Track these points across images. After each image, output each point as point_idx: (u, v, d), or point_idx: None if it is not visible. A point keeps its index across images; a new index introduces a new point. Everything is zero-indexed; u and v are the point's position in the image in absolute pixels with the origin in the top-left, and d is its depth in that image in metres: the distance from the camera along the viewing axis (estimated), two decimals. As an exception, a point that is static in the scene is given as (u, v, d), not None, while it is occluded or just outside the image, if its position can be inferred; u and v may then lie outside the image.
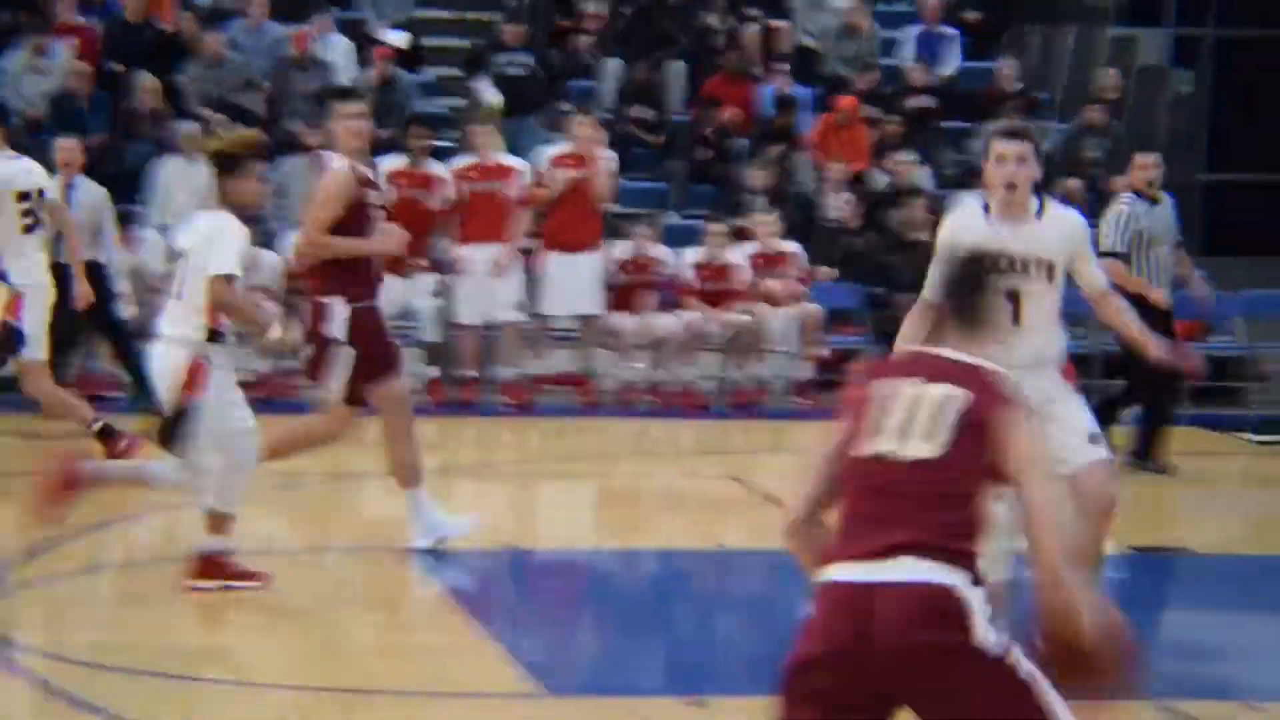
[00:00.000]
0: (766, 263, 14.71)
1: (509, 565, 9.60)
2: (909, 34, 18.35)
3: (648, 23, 17.72)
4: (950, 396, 4.30)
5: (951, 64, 18.21)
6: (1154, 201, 12.03)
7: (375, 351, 8.90)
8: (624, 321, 14.39)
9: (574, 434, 13.89)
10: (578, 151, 14.59)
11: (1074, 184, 16.84)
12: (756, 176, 15.92)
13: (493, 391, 14.34)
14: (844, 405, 4.42)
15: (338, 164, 9.05)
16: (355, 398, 8.92)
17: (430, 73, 17.57)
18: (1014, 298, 6.94)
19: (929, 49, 18.18)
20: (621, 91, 17.17)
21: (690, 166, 16.74)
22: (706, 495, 11.70)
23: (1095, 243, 8.97)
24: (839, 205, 15.66)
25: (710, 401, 14.56)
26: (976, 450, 4.27)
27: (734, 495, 11.59)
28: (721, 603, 9.42)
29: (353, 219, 8.89)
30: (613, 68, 17.38)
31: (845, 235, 15.52)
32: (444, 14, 18.42)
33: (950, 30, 18.38)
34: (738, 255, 14.68)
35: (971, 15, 18.93)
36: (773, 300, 14.52)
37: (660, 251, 14.75)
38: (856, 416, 4.36)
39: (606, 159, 14.74)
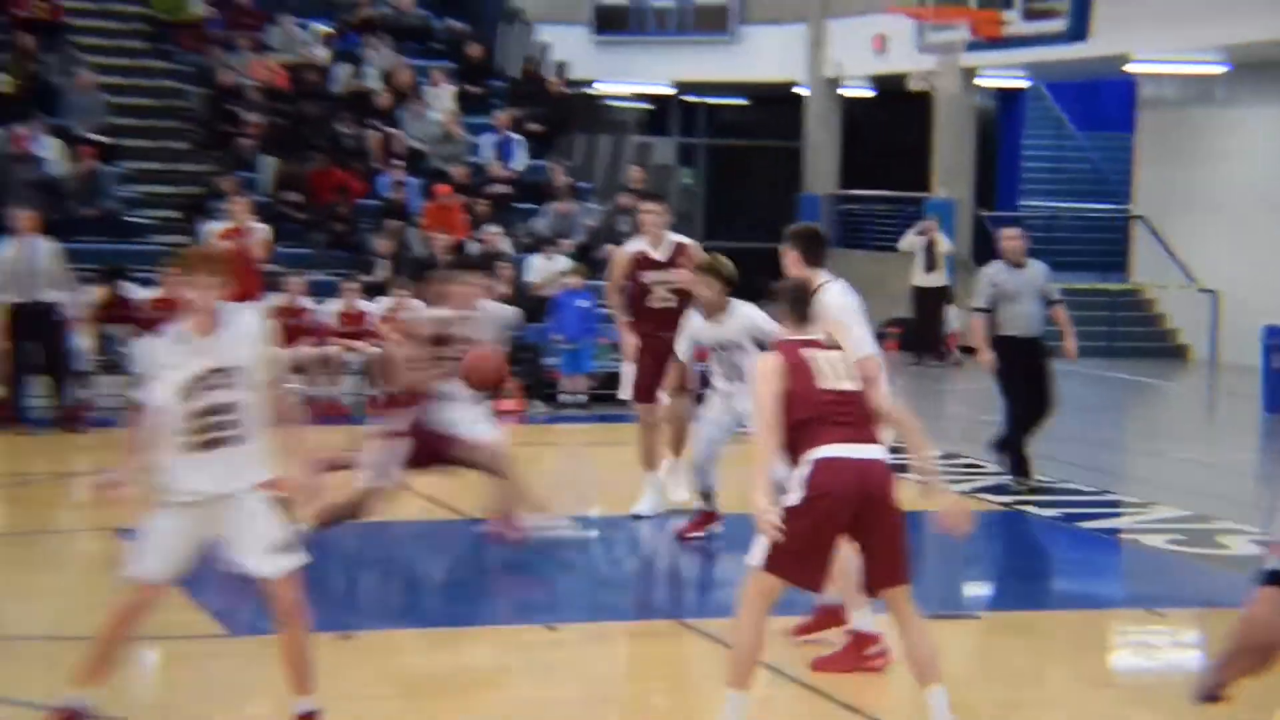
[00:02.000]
0: (397, 314, 14.52)
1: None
2: (489, 139, 18.40)
3: (295, 129, 17.40)
4: (842, 355, 5.86)
5: (520, 161, 18.33)
6: (1017, 265, 10.89)
7: None
8: (280, 354, 14.01)
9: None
10: (235, 225, 14.25)
11: (611, 249, 17.14)
12: (381, 245, 15.75)
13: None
14: (772, 368, 5.72)
15: None
16: None
17: (124, 165, 16.87)
18: None
19: (504, 150, 18.28)
20: (276, 181, 16.79)
21: (330, 237, 16.46)
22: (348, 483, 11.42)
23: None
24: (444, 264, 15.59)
25: (352, 411, 14.29)
26: (867, 383, 5.84)
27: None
28: (362, 561, 9.23)
29: None
30: (269, 163, 16.98)
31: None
32: (133, 121, 17.70)
33: (518, 137, 18.50)
34: (370, 305, 14.50)
35: (533, 126, 19.10)
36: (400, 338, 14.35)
37: (307, 301, 14.42)
38: (792, 373, 5.71)
39: (260, 229, 14.39)
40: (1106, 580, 9.41)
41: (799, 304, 5.96)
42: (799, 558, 5.61)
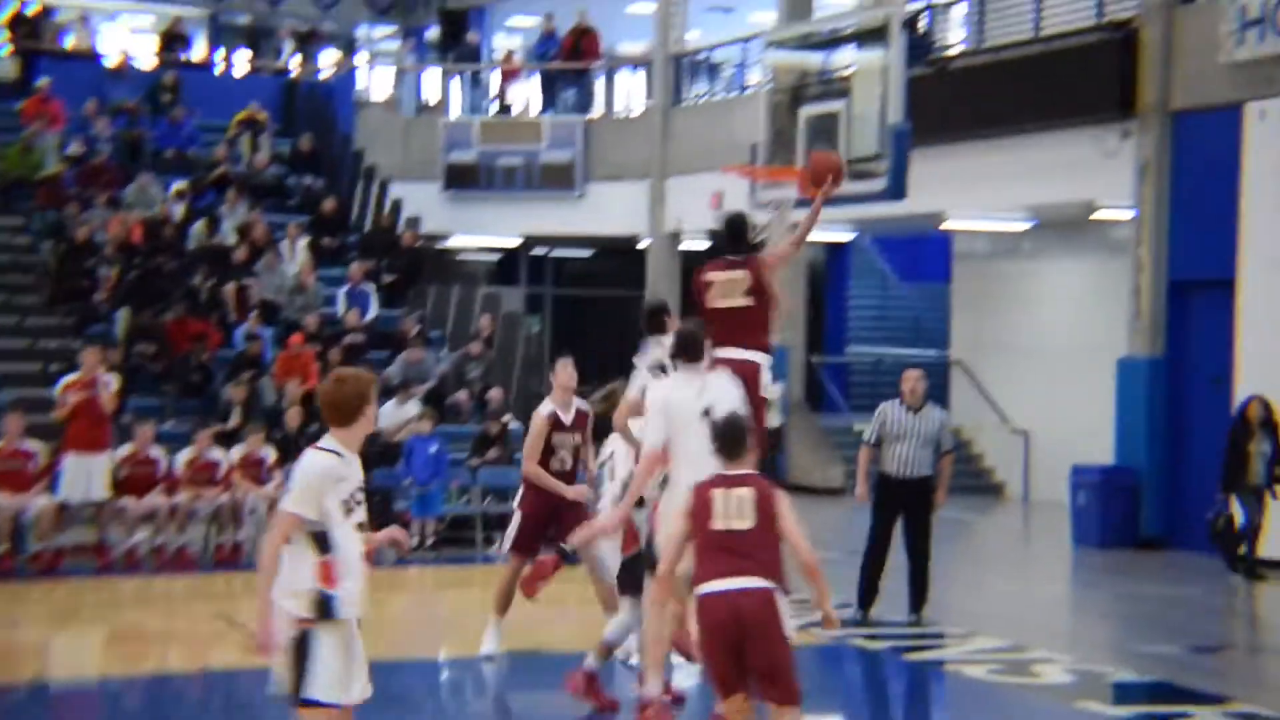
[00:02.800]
0: (248, 461, 14.26)
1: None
2: (342, 290, 18.32)
3: (149, 282, 17.12)
4: (748, 493, 6.23)
5: (373, 311, 18.26)
6: (913, 408, 10.88)
7: None
8: (129, 503, 13.65)
9: (91, 590, 12.97)
10: (85, 377, 13.84)
11: (463, 395, 17.09)
12: (234, 394, 15.48)
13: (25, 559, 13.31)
14: (689, 510, 6.29)
15: None
16: None
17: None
18: None
19: (357, 301, 18.20)
20: (129, 332, 16.46)
21: (183, 386, 16.14)
22: (197, 632, 11.12)
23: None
24: (295, 414, 15.35)
25: (199, 560, 13.91)
26: (768, 519, 6.18)
27: (220, 630, 11.05)
28: (210, 712, 8.94)
29: None
30: (123, 315, 16.66)
31: (303, 437, 15.21)
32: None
33: (371, 287, 18.45)
34: (219, 454, 14.18)
35: (386, 278, 19.07)
36: (250, 485, 14.08)
37: (156, 450, 14.05)
38: (699, 512, 6.23)
39: (109, 380, 13.98)
40: (931, 711, 9.48)
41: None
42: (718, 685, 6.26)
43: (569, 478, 9.47)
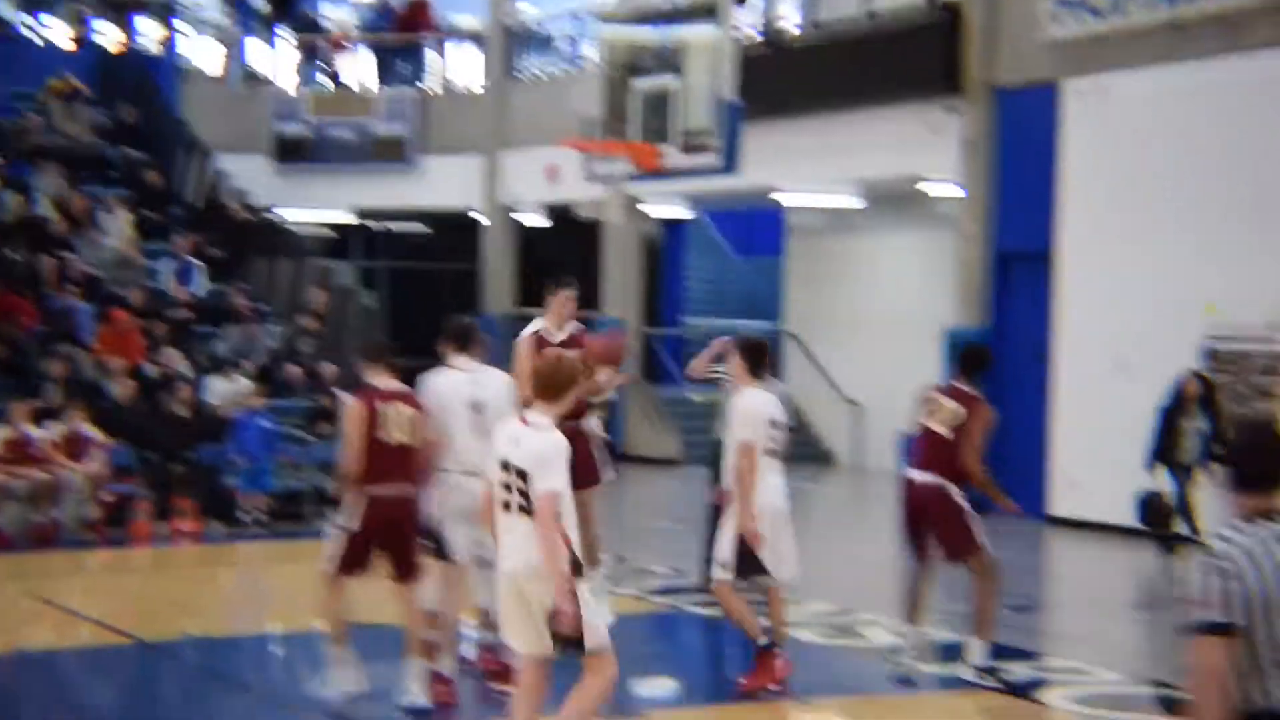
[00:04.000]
0: (68, 438, 13.89)
1: None
2: (169, 264, 17.93)
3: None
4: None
5: (200, 285, 17.91)
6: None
7: None
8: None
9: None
10: None
11: (292, 369, 16.87)
12: (54, 369, 15.06)
13: None
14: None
15: None
16: None
17: None
18: None
19: (184, 275, 17.84)
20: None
21: (-1, 362, 15.67)
22: (11, 612, 10.82)
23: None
24: (121, 390, 15.03)
25: (16, 539, 13.53)
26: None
27: (36, 609, 10.77)
28: (24, 694, 8.73)
29: None
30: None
31: (127, 412, 14.90)
32: None
33: (198, 262, 18.09)
34: (36, 431, 13.80)
35: (214, 251, 18.72)
36: (69, 462, 13.73)
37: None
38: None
39: None
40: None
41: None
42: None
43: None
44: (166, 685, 8.90)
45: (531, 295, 24.04)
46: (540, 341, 9.04)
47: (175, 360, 15.86)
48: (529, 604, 5.99)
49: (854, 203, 20.72)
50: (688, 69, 14.56)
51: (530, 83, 23.69)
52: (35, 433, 13.76)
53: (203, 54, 25.38)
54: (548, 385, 6.19)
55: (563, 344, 9.03)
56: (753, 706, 8.31)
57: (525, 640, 6.10)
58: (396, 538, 7.74)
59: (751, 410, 8.21)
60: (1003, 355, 16.39)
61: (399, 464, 7.62)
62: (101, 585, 11.76)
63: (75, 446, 13.82)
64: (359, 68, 25.12)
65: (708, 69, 14.37)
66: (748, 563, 8.22)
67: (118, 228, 18.09)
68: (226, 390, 15.64)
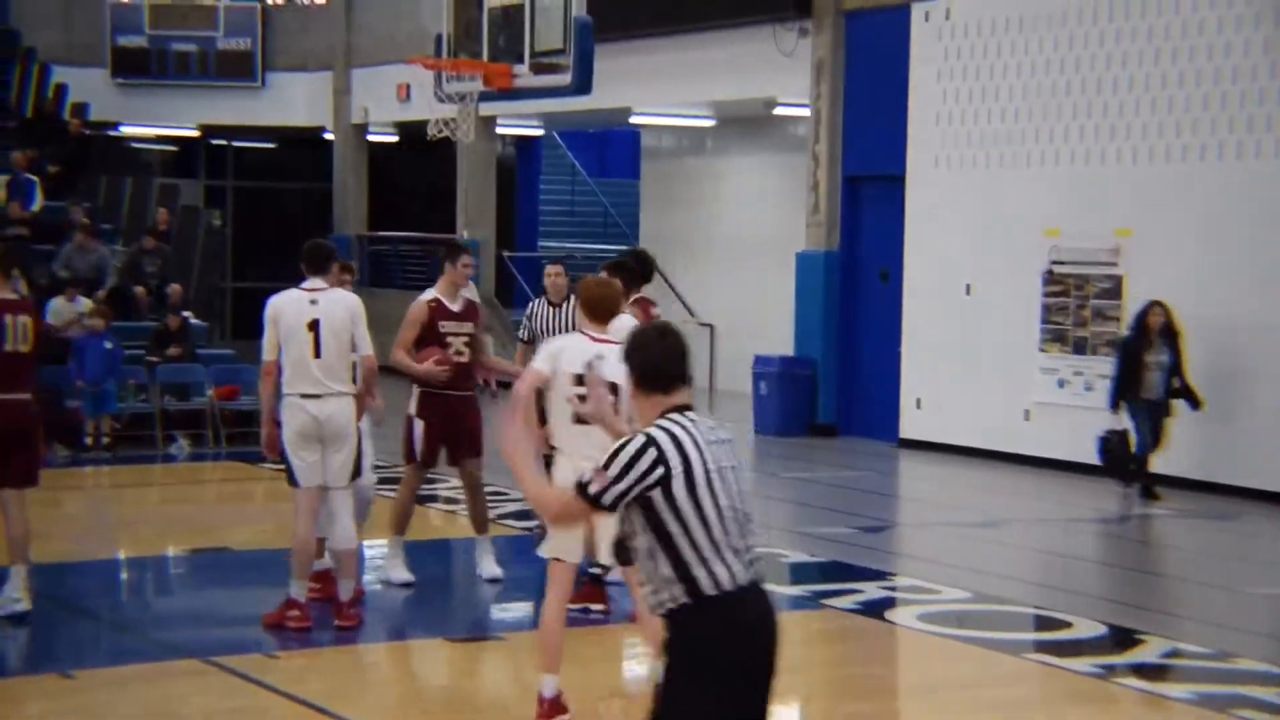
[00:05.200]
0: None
1: None
2: (2, 179, 17.28)
3: None
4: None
5: (37, 202, 17.30)
6: (555, 304, 9.62)
7: None
8: None
9: None
10: None
11: (140, 290, 16.42)
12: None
13: None
14: None
15: None
16: None
17: None
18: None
19: (20, 191, 17.21)
20: None
21: None
22: None
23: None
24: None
25: None
26: None
27: None
28: None
29: None
30: None
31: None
32: None
33: (35, 178, 17.47)
34: None
35: (52, 168, 18.09)
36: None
37: None
38: None
39: None
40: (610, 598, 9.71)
41: None
42: None
43: (465, 371, 8.81)
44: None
45: (385, 216, 23.71)
46: (438, 310, 8.76)
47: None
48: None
49: (707, 124, 20.72)
50: (540, -15, 14.34)
51: (379, -4, 23.19)
52: None
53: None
54: (602, 308, 6.57)
55: (459, 315, 8.80)
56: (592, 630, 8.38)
57: (598, 548, 6.49)
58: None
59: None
60: (853, 277, 16.62)
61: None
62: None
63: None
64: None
65: (560, -14, 14.18)
66: None
67: (-53, 142, 17.38)
68: (65, 311, 15.17)
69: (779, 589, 9.33)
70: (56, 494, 12.76)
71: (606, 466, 4.02)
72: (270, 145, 26.21)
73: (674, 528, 4.03)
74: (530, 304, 10.65)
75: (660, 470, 4.00)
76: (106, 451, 14.28)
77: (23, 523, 8.12)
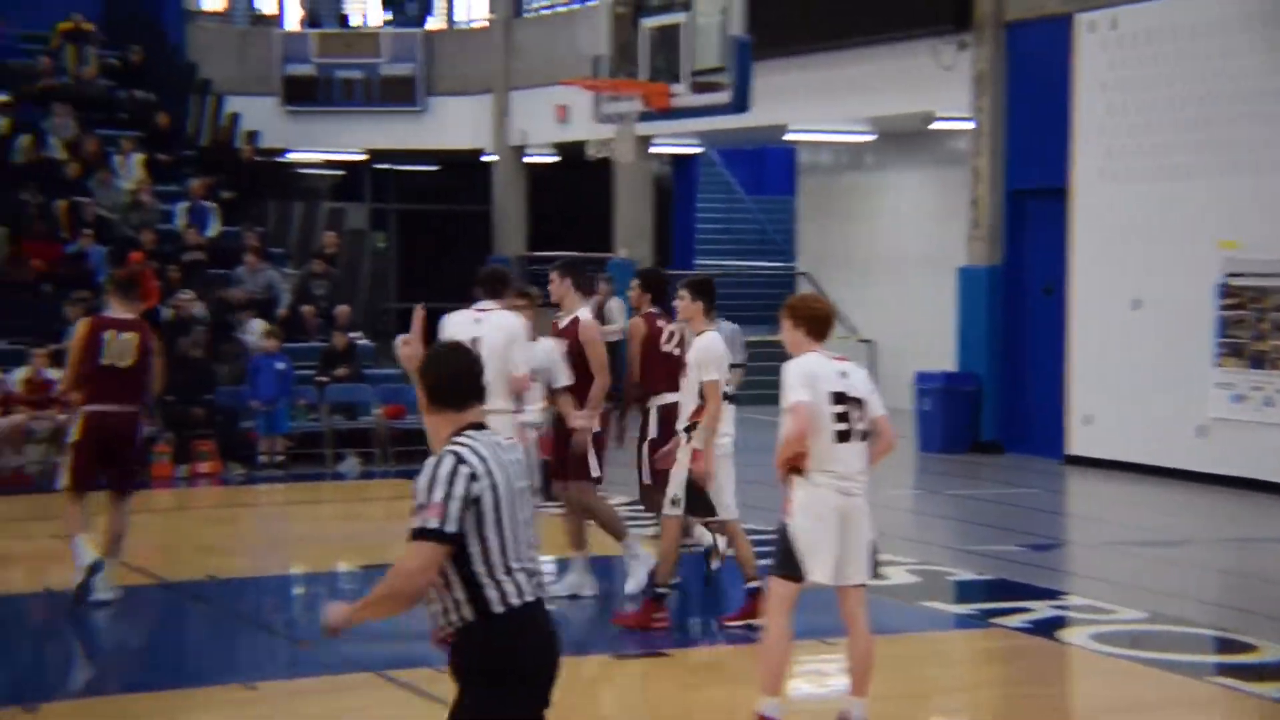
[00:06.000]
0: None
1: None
2: (181, 206, 17.87)
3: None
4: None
5: (213, 228, 17.85)
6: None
7: None
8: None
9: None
10: None
11: (309, 310, 16.83)
12: (70, 313, 15.03)
13: None
14: None
15: None
16: None
17: None
18: None
19: (197, 217, 17.77)
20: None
21: (13, 305, 15.65)
22: (37, 552, 10.85)
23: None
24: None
25: (37, 480, 13.57)
26: None
27: (60, 550, 10.80)
28: (52, 632, 8.79)
29: None
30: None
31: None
32: None
33: (211, 204, 18.02)
34: (55, 373, 13.80)
35: (226, 194, 18.65)
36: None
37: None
38: None
39: None
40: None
41: None
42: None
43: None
44: (190, 625, 8.94)
45: (543, 236, 23.98)
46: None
47: (190, 303, 15.81)
48: (862, 532, 6.38)
49: (865, 139, 20.59)
50: (697, 4, 14.41)
51: (538, 20, 23.49)
52: (54, 375, 13.75)
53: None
54: (824, 324, 6.53)
55: (561, 332, 8.95)
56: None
57: (855, 570, 6.43)
58: None
59: (715, 352, 8.24)
60: (1016, 292, 16.35)
61: None
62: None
63: (93, 390, 13.81)
64: (365, 6, 24.94)
65: (717, 5, 14.22)
66: (696, 502, 8.32)
67: (130, 170, 18.02)
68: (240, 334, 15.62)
69: (945, 607, 9.22)
70: (233, 511, 13.17)
71: (428, 497, 3.99)
72: (433, 168, 26.70)
73: (474, 547, 4.05)
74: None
75: (474, 486, 4.02)
76: (279, 469, 14.65)
77: (120, 524, 8.82)
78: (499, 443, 4.17)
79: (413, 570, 4.03)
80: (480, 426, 4.17)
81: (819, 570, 6.34)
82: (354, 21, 24.68)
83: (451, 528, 4.00)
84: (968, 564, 10.38)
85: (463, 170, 25.37)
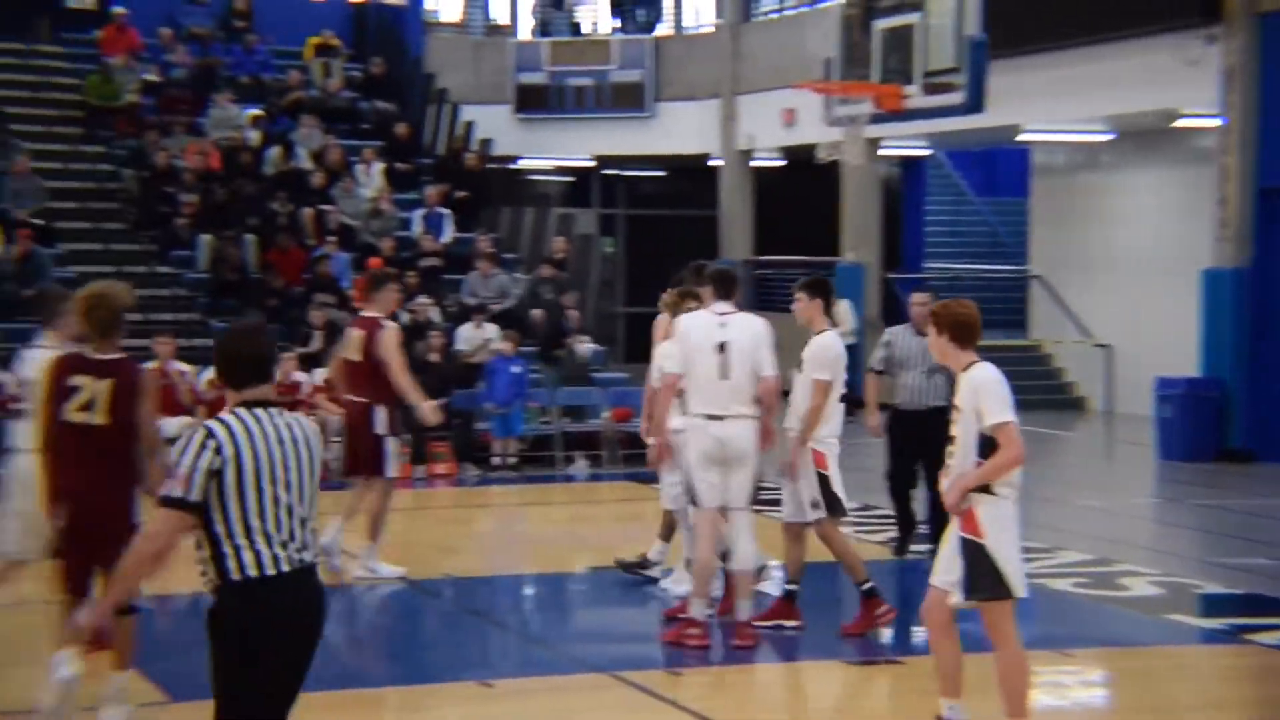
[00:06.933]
0: (331, 384, 14.41)
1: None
2: (418, 214, 18.39)
3: (229, 208, 17.29)
4: None
5: (448, 234, 18.31)
6: (920, 333, 9.70)
7: None
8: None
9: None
10: (159, 366, 13.55)
11: (538, 314, 17.13)
12: (316, 317, 15.64)
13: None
14: None
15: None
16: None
17: (61, 247, 16.73)
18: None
19: (432, 224, 18.26)
20: (211, 258, 16.69)
21: (264, 311, 16.32)
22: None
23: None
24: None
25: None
26: None
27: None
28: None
29: None
30: (203, 240, 16.87)
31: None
32: (70, 204, 17.55)
33: (445, 211, 18.50)
34: (304, 376, 14.39)
35: (459, 195, 19.12)
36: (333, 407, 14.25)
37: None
38: None
39: (181, 371, 13.89)
40: (1021, 623, 9.42)
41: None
42: None
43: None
44: (428, 622, 9.18)
45: (769, 240, 23.94)
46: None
47: (427, 308, 16.26)
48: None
49: (1103, 138, 19.99)
50: (930, 4, 14.19)
51: (766, 24, 23.46)
52: (302, 378, 14.31)
53: (446, 4, 25.88)
54: (974, 330, 6.15)
55: None
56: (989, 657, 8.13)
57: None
58: None
59: (831, 352, 8.14)
60: (1267, 294, 15.64)
61: None
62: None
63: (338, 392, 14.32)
64: (595, 14, 25.26)
65: (950, 4, 13.98)
66: (834, 503, 8.23)
67: (371, 179, 18.63)
68: (474, 337, 15.99)
69: (1192, 621, 8.88)
70: (468, 511, 13.48)
71: (178, 467, 4.36)
72: (660, 173, 26.91)
73: (215, 513, 4.39)
74: (888, 332, 10.49)
75: (214, 458, 4.36)
76: (512, 471, 14.93)
77: (376, 506, 9.46)
78: (279, 421, 4.47)
79: (152, 534, 4.48)
80: (263, 404, 4.49)
81: (1021, 585, 6.11)
82: (584, 30, 25.02)
83: (193, 497, 4.36)
84: (1214, 576, 9.98)
85: (689, 175, 25.50)
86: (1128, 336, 19.50)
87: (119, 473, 6.29)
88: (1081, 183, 21.13)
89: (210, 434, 4.40)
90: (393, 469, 9.68)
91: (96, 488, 6.24)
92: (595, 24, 25.29)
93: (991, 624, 6.12)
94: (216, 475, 4.39)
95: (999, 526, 6.00)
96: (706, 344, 7.87)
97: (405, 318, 16.08)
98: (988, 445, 5.95)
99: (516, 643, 8.76)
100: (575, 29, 24.97)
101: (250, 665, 4.41)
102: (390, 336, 9.55)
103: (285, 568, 4.42)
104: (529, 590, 10.29)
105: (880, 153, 21.32)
